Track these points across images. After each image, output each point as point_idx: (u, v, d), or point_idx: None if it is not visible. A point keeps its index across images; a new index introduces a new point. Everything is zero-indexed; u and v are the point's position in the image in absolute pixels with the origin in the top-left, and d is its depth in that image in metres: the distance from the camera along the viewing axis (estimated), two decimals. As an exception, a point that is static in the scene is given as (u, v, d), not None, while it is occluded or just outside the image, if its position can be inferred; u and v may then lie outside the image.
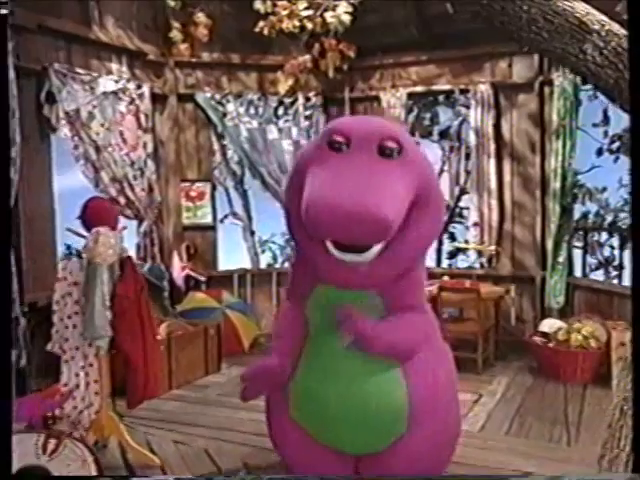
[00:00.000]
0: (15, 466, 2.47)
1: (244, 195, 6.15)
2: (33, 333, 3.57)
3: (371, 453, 2.49)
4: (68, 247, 5.19)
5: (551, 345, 4.48)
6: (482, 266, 5.62)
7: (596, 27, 1.67)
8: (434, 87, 5.68)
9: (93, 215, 2.96)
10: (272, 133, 5.74)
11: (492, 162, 5.45)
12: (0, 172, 1.95)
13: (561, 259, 5.14)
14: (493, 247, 5.32)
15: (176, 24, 5.27)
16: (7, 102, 1.73)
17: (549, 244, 5.17)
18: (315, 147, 2.27)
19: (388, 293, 2.36)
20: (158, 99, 5.38)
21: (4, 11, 1.87)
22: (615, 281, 5.74)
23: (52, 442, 2.48)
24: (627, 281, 5.41)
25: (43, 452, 2.48)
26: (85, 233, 2.96)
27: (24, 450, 2.47)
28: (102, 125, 4.75)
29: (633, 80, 1.63)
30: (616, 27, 1.72)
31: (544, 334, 4.63)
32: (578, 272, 5.47)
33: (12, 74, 3.41)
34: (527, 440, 3.43)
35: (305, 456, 2.54)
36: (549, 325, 4.66)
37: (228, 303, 5.27)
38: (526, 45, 1.86)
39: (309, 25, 4.68)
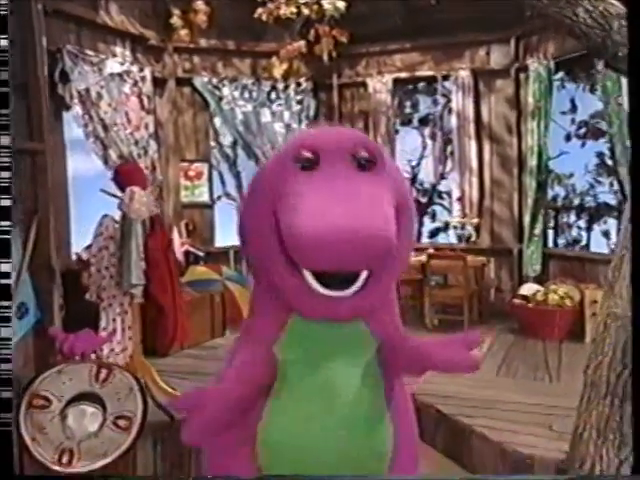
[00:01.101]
0: (71, 393, 2.77)
1: (237, 177, 6.47)
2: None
3: None
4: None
5: (531, 305, 4.91)
6: (460, 239, 6.05)
7: (586, -5, 2.05)
8: (417, 73, 6.08)
9: (126, 177, 3.25)
10: (265, 116, 6.06)
11: (473, 143, 5.86)
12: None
13: (537, 231, 5.58)
14: (476, 219, 5.74)
15: (176, 11, 5.54)
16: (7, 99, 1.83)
17: (526, 218, 5.61)
18: (278, 167, 1.95)
19: (373, 317, 2.06)
20: (158, 82, 5.66)
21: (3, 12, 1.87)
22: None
23: (104, 372, 2.76)
24: (595, 248, 5.92)
25: (96, 380, 2.75)
26: (118, 193, 3.24)
27: (79, 379, 2.74)
28: (109, 105, 5.00)
29: (633, 80, 1.80)
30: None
31: (524, 297, 5.05)
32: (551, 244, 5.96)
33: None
34: (514, 379, 3.84)
35: None
36: (528, 289, 5.09)
37: (227, 275, 5.56)
38: (528, 10, 2.21)
39: (306, 11, 5.01)
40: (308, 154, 1.87)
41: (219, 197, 6.43)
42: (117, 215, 3.27)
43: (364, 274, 1.87)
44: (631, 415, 1.89)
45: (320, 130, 2.32)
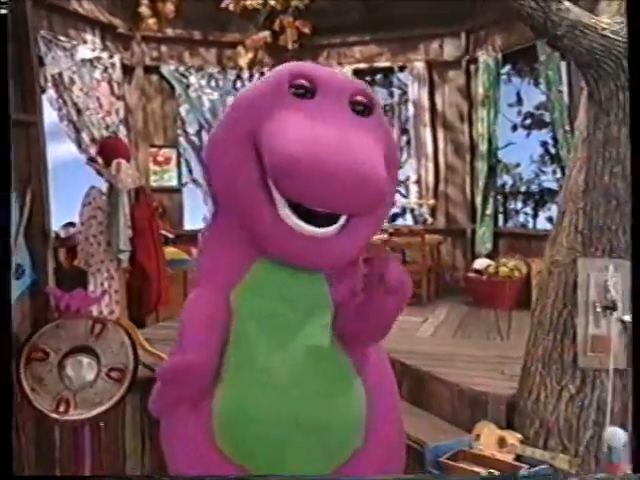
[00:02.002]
0: (67, 346, 2.97)
1: (204, 164, 6.66)
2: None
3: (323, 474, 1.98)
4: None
5: (483, 278, 5.32)
6: (417, 221, 6.43)
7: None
8: (376, 64, 6.43)
9: (112, 150, 3.47)
10: (232, 104, 6.30)
11: (428, 130, 6.25)
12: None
13: (488, 212, 6.01)
14: (432, 201, 6.13)
15: (145, 0, 5.73)
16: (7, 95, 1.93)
17: (478, 200, 6.03)
18: (270, 89, 1.82)
19: (339, 278, 1.94)
20: (127, 70, 5.83)
21: (4, 11, 1.90)
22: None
23: (98, 326, 2.98)
24: (540, 225, 6.37)
25: (91, 334, 2.97)
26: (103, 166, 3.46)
27: (75, 333, 2.95)
28: (81, 89, 5.17)
29: (633, 81, 1.87)
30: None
31: (477, 271, 5.46)
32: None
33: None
34: (470, 339, 4.21)
35: None
36: (480, 263, 5.50)
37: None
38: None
39: (271, 2, 5.29)
40: (305, 82, 1.76)
41: (185, 183, 6.62)
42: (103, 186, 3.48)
43: (342, 220, 1.77)
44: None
45: (316, 65, 2.09)
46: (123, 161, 3.39)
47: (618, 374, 2.54)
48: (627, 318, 2.50)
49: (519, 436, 2.70)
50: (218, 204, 1.97)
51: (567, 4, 2.49)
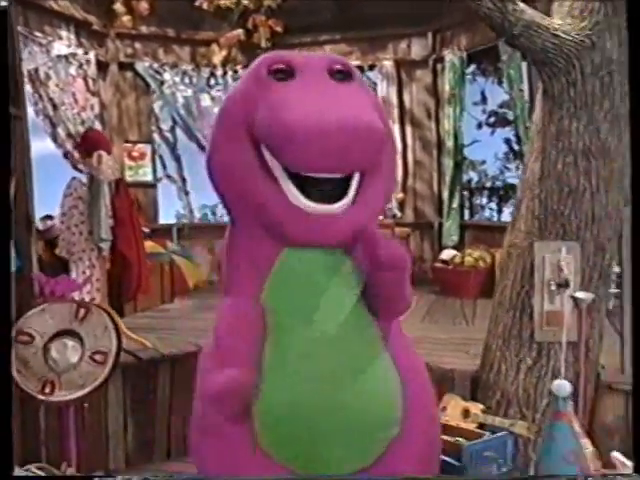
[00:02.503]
0: (52, 330, 3.08)
1: (178, 160, 6.79)
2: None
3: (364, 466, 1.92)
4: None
5: (450, 268, 5.55)
6: (386, 215, 6.63)
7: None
8: (346, 63, 6.61)
9: (93, 142, 3.58)
10: (205, 101, 6.45)
11: (396, 127, 6.46)
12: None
13: (454, 205, 6.25)
14: (401, 195, 6.35)
15: (119, -3, 5.83)
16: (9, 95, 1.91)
17: (445, 194, 6.27)
18: (253, 81, 1.84)
19: (356, 251, 1.86)
20: (102, 66, 5.92)
21: (4, 3, 1.90)
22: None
23: (82, 311, 3.08)
24: (505, 219, 6.64)
25: (75, 318, 3.08)
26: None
27: (60, 317, 3.05)
28: (57, 85, 5.25)
29: (633, 82, 1.85)
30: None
31: (444, 261, 5.69)
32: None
33: None
34: (437, 325, 4.43)
35: None
36: (447, 254, 5.74)
37: (172, 249, 5.91)
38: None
39: (245, 1, 5.43)
40: (282, 66, 1.79)
41: (160, 179, 6.72)
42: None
43: (353, 185, 1.74)
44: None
45: (289, 51, 2.10)
46: (104, 153, 3.51)
47: (570, 346, 2.76)
48: (578, 294, 2.73)
49: (482, 407, 2.89)
50: (231, 210, 1.93)
51: (522, 5, 2.70)
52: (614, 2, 2.67)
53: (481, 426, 2.80)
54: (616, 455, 1.85)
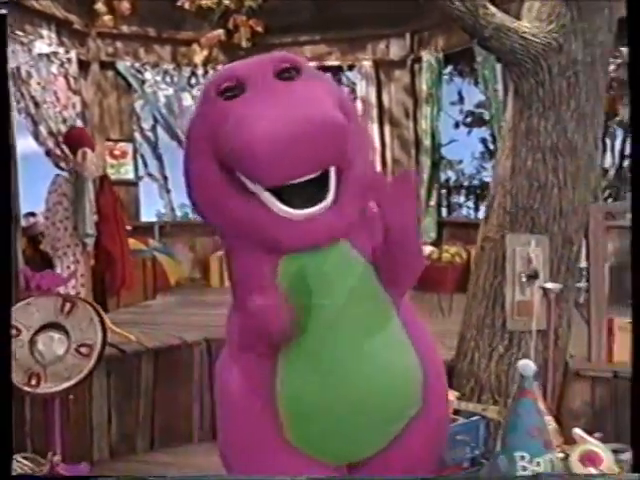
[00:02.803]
0: (38, 323, 3.14)
1: (159, 159, 6.84)
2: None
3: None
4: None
5: (427, 263, 5.67)
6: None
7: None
8: (325, 63, 6.71)
9: (77, 139, 3.65)
10: (187, 100, 6.51)
11: (375, 127, 6.59)
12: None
13: (432, 203, 6.40)
14: (379, 193, 6.47)
15: (100, -3, 5.87)
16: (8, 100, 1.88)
17: (422, 192, 6.40)
18: (206, 105, 1.83)
19: (359, 238, 1.87)
20: (83, 65, 5.96)
21: (3, 11, 1.88)
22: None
23: (68, 304, 3.15)
24: (481, 215, 6.80)
25: (61, 312, 3.15)
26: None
27: (46, 310, 3.12)
28: (39, 83, 5.28)
29: (633, 81, 1.85)
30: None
31: (421, 257, 5.82)
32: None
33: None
34: (415, 317, 4.54)
35: None
36: (425, 250, 5.87)
37: (154, 247, 5.97)
38: (421, -1, 2.86)
39: (226, 2, 5.52)
40: (231, 83, 1.76)
41: (141, 177, 6.77)
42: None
43: (332, 182, 1.72)
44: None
45: (238, 62, 2.04)
46: (88, 150, 3.58)
47: (540, 334, 2.90)
48: (547, 285, 2.86)
49: (456, 394, 3.01)
50: (220, 229, 1.94)
51: (493, 9, 2.83)
52: (579, 6, 2.82)
53: (456, 412, 2.94)
54: (577, 431, 1.98)
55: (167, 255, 5.98)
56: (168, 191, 6.88)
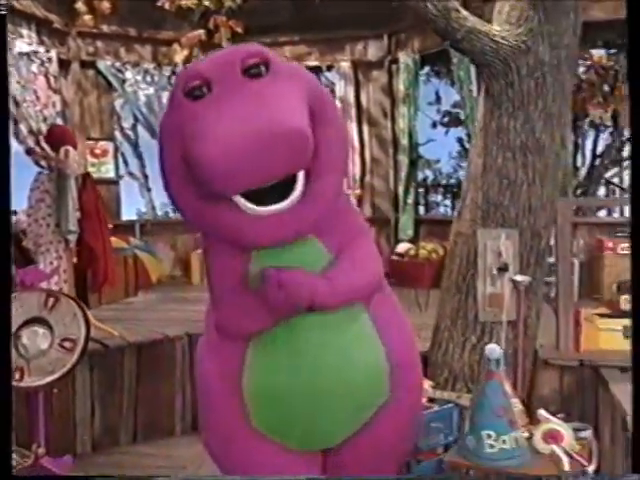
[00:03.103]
0: (22, 318, 3.19)
1: (140, 157, 6.90)
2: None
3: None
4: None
5: (405, 260, 5.81)
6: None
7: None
8: (305, 63, 6.79)
9: (59, 137, 3.70)
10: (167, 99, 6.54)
11: (354, 126, 6.70)
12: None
13: (409, 201, 6.52)
14: (359, 191, 6.59)
15: (80, -4, 5.90)
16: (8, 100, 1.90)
17: (400, 190, 6.53)
18: (174, 104, 1.83)
19: (326, 233, 1.90)
20: (63, 64, 5.99)
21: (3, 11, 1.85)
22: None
23: (51, 299, 3.20)
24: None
25: (44, 307, 3.20)
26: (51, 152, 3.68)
27: (29, 305, 3.17)
28: (19, 82, 5.31)
29: (633, 80, 1.85)
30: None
31: (399, 254, 5.95)
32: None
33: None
34: (392, 312, 4.66)
35: (277, 469, 2.02)
36: (402, 247, 6.01)
37: (135, 245, 6.01)
38: (396, 2, 2.98)
39: (206, 2, 5.58)
40: (197, 82, 1.75)
41: (122, 176, 6.81)
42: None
43: (300, 181, 1.73)
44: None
45: (208, 56, 2.07)
46: (71, 148, 3.63)
47: (510, 325, 3.02)
48: (516, 277, 2.98)
49: (431, 383, 3.13)
50: (196, 226, 2.01)
51: (464, 13, 2.95)
52: (546, 11, 2.94)
53: (431, 400, 3.05)
54: (541, 412, 2.09)
55: (148, 253, 6.03)
56: (149, 190, 6.94)
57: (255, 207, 1.71)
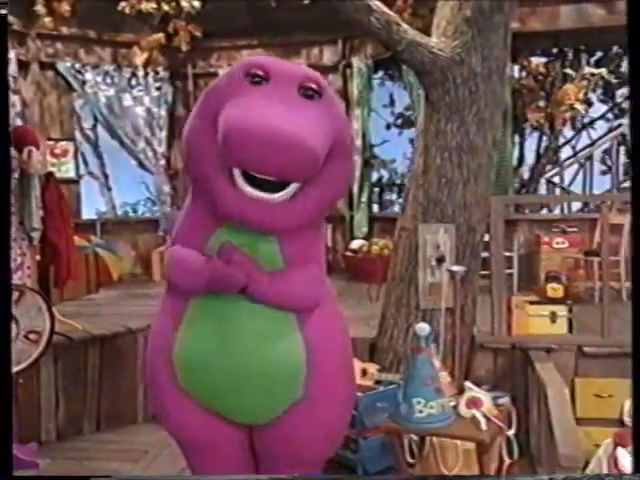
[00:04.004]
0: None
1: (100, 157, 7.00)
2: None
3: (265, 422, 2.23)
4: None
5: (359, 256, 6.08)
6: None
7: (375, 9, 3.10)
8: (263, 67, 7.02)
9: (22, 138, 3.82)
10: (127, 100, 6.69)
11: (310, 127, 6.93)
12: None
13: (364, 199, 6.81)
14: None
15: (40, -1, 5.99)
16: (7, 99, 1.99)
17: (355, 189, 6.80)
18: (230, 80, 2.05)
19: (289, 242, 2.09)
20: (23, 65, 6.07)
21: (3, 11, 1.89)
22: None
23: (16, 294, 3.34)
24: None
25: (10, 300, 3.35)
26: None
27: (-5, 299, 3.32)
28: (-21, 83, 5.38)
29: (633, 80, 1.91)
30: (386, 9, 3.17)
31: (353, 250, 6.22)
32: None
33: None
34: (345, 304, 4.88)
35: (198, 427, 2.26)
36: (355, 243, 6.28)
37: (96, 243, 6.12)
38: (343, 15, 3.22)
39: (165, 7, 5.75)
40: (259, 71, 1.98)
41: (82, 176, 6.90)
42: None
43: (292, 187, 1.93)
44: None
45: (272, 58, 2.30)
46: (34, 148, 3.75)
47: (448, 311, 3.30)
48: (453, 268, 3.26)
49: (377, 366, 3.39)
50: (193, 184, 2.20)
51: (405, 26, 3.22)
52: (479, 26, 3.23)
53: (377, 382, 3.30)
54: (466, 383, 2.37)
55: (109, 251, 6.14)
56: (109, 189, 7.05)
57: (248, 188, 1.92)
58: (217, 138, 1.89)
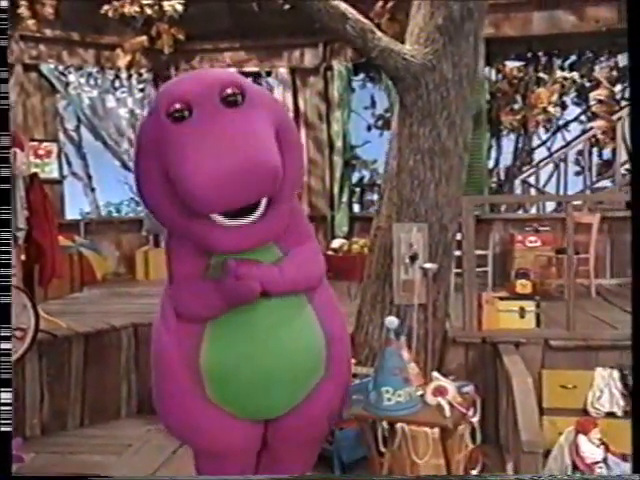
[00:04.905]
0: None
1: (84, 158, 7.07)
2: None
3: (287, 410, 2.34)
4: None
5: (339, 255, 6.21)
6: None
7: (350, 17, 3.23)
8: (245, 69, 7.12)
9: (7, 139, 3.91)
10: (111, 102, 6.77)
11: (292, 129, 7.05)
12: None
13: (344, 199, 6.94)
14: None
15: (23, 1, 6.04)
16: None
17: (335, 189, 6.94)
18: (155, 122, 2.02)
19: (282, 239, 2.19)
20: (6, 67, 6.11)
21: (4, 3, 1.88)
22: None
23: (2, 291, 3.45)
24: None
25: (-5, 298, 3.43)
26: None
27: (-19, 297, 3.41)
28: (-38, 85, 5.43)
29: (633, 80, 1.92)
30: (361, 17, 3.30)
31: (334, 249, 6.35)
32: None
33: None
34: (325, 302, 5.04)
35: (227, 438, 2.31)
36: (336, 242, 6.41)
37: (80, 242, 6.20)
38: (319, 23, 3.34)
39: (148, 11, 5.84)
40: (179, 105, 1.93)
41: (65, 176, 6.97)
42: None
43: (263, 201, 1.98)
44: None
45: (189, 76, 2.27)
46: (18, 150, 3.84)
47: (421, 307, 3.44)
48: (426, 265, 3.40)
49: (354, 360, 3.51)
50: (168, 230, 2.27)
51: (379, 34, 3.35)
52: (450, 34, 3.37)
53: (354, 375, 3.42)
54: (434, 373, 2.50)
55: (93, 251, 6.23)
56: (92, 189, 7.12)
57: (224, 220, 1.98)
58: (178, 193, 1.91)
